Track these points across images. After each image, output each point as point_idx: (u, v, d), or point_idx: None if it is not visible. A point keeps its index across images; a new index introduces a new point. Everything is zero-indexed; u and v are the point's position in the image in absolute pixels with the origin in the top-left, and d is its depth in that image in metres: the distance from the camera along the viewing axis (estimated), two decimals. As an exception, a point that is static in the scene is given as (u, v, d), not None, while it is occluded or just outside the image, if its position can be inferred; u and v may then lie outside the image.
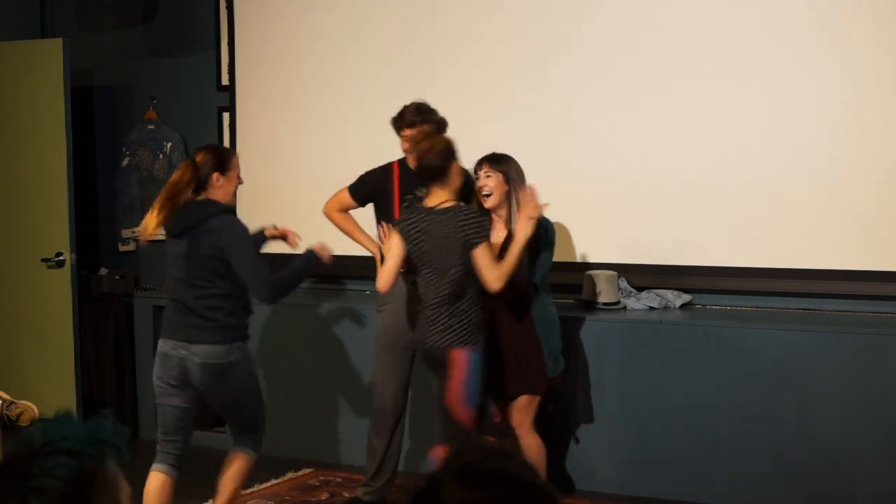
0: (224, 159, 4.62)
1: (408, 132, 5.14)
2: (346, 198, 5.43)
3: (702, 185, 5.56)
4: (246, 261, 4.48)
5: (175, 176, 4.58)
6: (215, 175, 4.55)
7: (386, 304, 5.27)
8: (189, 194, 4.53)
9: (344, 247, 6.36)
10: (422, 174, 4.69)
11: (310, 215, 6.59)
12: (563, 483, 5.54)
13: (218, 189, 4.57)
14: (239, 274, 4.49)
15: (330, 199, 5.48)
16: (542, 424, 5.08)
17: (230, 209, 4.64)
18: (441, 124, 5.17)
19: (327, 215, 5.50)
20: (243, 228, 4.57)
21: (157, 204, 4.52)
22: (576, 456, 5.59)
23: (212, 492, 4.95)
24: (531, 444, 4.93)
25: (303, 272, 4.77)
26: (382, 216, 5.28)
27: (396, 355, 5.26)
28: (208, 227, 4.48)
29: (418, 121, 5.13)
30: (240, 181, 4.67)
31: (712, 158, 5.55)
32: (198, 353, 4.49)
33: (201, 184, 4.55)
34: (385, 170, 5.32)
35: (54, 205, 6.73)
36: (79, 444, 1.69)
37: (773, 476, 5.22)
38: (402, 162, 5.25)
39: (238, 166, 4.67)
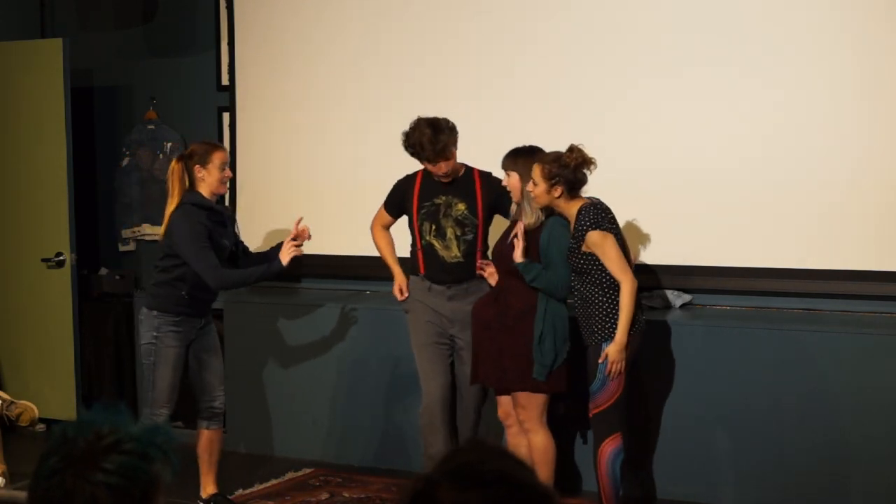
0: (205, 152, 5.09)
1: (443, 165, 5.14)
2: (383, 214, 5.48)
3: (702, 185, 5.54)
4: (187, 251, 4.99)
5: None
6: (196, 167, 5.06)
7: (412, 302, 5.30)
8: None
9: (344, 247, 6.37)
10: None
11: (309, 215, 6.57)
12: (572, 483, 5.51)
13: (200, 181, 5.07)
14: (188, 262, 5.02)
15: (374, 218, 5.52)
16: (552, 424, 5.05)
17: (198, 203, 5.01)
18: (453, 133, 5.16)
19: (371, 232, 5.53)
20: (186, 223, 4.97)
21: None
22: (582, 456, 5.57)
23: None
24: (538, 442, 4.92)
25: (255, 278, 5.16)
26: (409, 223, 5.34)
27: (436, 349, 5.26)
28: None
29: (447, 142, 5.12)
30: (225, 175, 5.10)
31: (712, 159, 5.52)
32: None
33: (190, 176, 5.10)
34: (409, 177, 5.36)
35: (54, 205, 6.73)
36: (149, 448, 1.68)
37: (773, 476, 5.21)
38: (426, 171, 5.28)
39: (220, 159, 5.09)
